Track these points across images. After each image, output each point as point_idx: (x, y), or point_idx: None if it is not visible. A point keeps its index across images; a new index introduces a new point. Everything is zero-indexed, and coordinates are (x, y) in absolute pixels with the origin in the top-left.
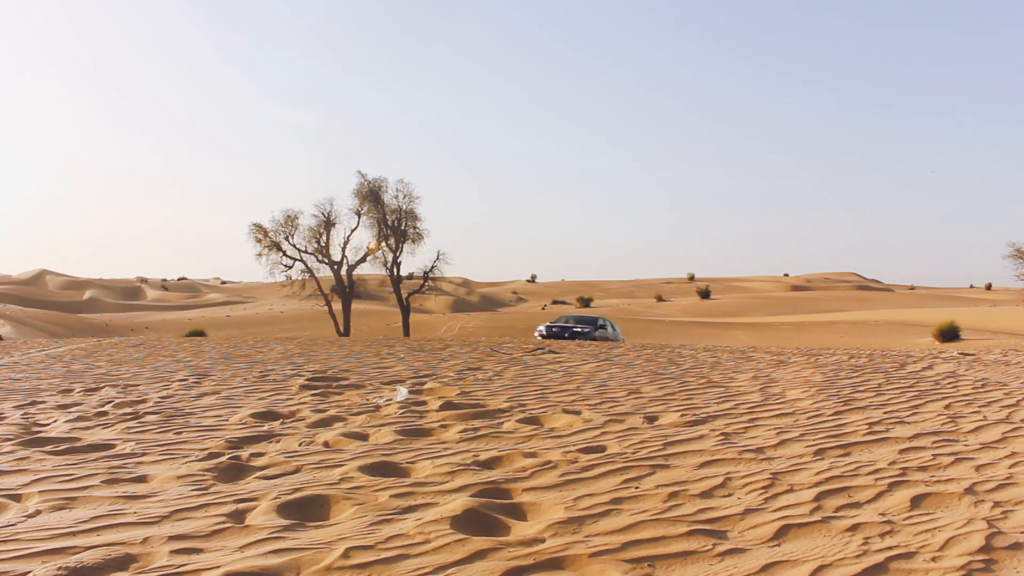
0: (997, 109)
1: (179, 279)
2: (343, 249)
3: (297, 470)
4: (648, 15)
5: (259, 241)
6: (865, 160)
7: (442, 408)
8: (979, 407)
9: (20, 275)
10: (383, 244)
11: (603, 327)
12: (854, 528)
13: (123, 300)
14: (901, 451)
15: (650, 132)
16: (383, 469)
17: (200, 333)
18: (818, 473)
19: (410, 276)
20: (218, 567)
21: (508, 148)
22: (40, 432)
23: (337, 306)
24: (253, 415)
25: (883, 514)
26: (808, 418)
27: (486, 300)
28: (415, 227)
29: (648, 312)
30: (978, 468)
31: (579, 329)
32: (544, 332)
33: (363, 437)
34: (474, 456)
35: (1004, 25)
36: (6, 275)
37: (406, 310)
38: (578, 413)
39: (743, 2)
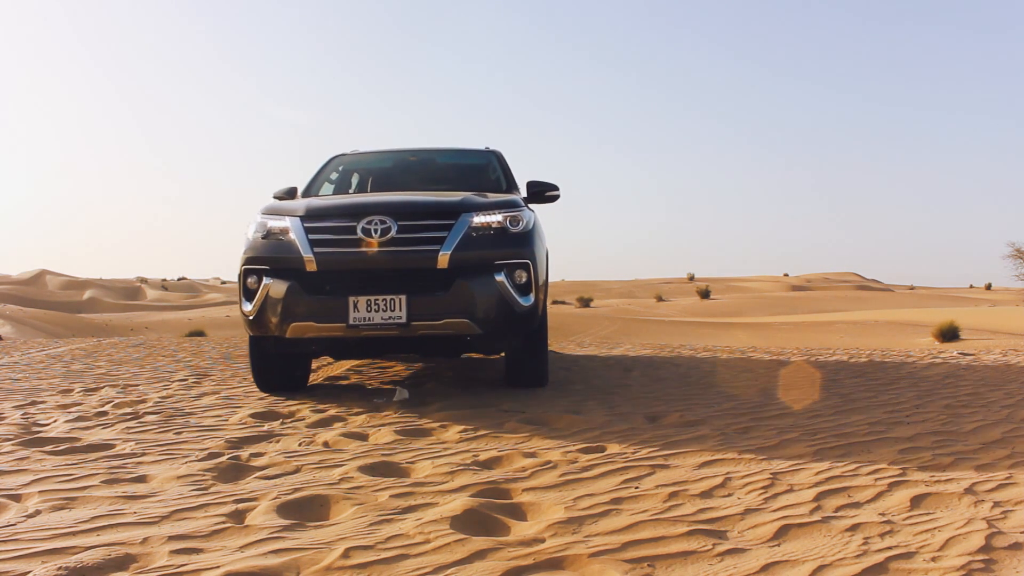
0: (997, 109)
1: (179, 279)
2: None
3: (297, 470)
4: (648, 15)
5: None
6: (865, 160)
7: (442, 408)
8: (979, 407)
9: (20, 275)
10: None
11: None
12: (854, 528)
13: (123, 300)
14: (901, 451)
15: (649, 132)
16: (383, 469)
17: (200, 333)
18: (818, 473)
19: None
20: (218, 567)
21: (507, 148)
22: (40, 432)
23: None
24: (253, 415)
25: (883, 514)
26: (808, 418)
27: None
28: None
29: (648, 312)
30: (978, 468)
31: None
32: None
33: (363, 437)
34: (474, 456)
35: (1004, 25)
36: (6, 275)
37: None
38: (578, 413)
39: (743, 2)
